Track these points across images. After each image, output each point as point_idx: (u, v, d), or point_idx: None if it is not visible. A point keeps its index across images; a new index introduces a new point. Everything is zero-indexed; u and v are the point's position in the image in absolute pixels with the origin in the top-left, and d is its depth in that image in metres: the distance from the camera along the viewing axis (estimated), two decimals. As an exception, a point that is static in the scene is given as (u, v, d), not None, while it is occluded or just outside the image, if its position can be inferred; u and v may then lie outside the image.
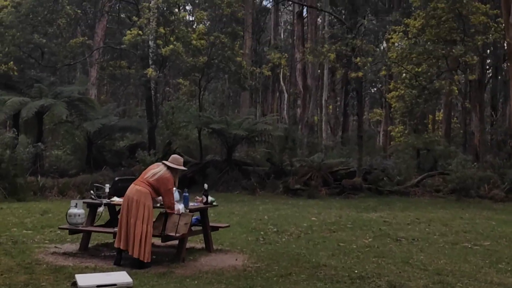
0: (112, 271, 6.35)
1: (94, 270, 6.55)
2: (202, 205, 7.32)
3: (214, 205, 7.76)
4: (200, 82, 19.92)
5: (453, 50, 17.52)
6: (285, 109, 30.94)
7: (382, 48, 17.76)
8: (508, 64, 24.07)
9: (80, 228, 7.51)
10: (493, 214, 13.64)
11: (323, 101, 32.79)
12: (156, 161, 18.45)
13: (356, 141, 31.91)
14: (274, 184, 19.07)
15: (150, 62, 19.14)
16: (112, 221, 7.86)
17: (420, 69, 22.89)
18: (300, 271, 6.67)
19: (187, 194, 7.12)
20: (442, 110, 37.39)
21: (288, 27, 39.00)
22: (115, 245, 6.76)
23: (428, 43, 19.55)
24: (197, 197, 7.59)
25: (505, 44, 22.92)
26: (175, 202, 7.03)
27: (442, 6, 20.18)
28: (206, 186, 7.57)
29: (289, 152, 22.22)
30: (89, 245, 7.87)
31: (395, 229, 10.54)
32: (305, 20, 30.40)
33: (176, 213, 6.75)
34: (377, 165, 20.89)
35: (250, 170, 20.29)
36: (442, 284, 6.18)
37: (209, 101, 28.13)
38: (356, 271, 6.68)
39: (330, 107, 38.16)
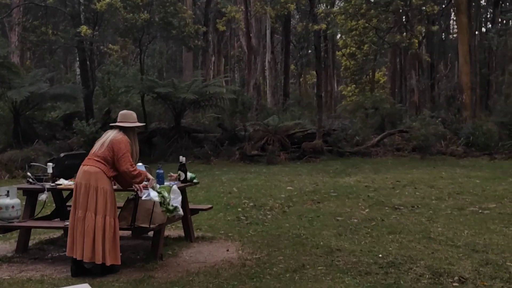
0: (68, 284, 4.62)
1: (41, 284, 4.84)
2: (180, 184, 5.75)
3: (195, 183, 6.19)
4: (140, 42, 17.90)
5: (414, 0, 16.46)
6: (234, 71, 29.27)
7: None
8: (457, 17, 23.51)
9: (16, 224, 5.64)
10: (468, 171, 12.82)
11: (266, 63, 31.37)
12: (96, 132, 16.70)
13: (306, 102, 31.04)
14: (229, 151, 17.63)
15: (82, 20, 16.93)
16: (60, 212, 6.21)
17: (367, 25, 21.91)
18: (313, 261, 5.32)
19: (161, 171, 5.55)
20: (379, 69, 37.07)
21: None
22: (67, 254, 5.07)
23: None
24: (171, 174, 6.04)
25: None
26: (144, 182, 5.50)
27: None
28: (182, 159, 6.00)
29: (240, 116, 20.76)
30: (29, 245, 6.15)
31: (384, 195, 9.41)
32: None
33: (143, 187, 5.19)
34: (335, 126, 19.83)
35: (201, 137, 18.73)
36: (492, 266, 5.00)
37: (148, 64, 25.97)
38: (380, 255, 5.41)
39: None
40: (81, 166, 5.08)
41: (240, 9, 19.39)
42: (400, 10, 17.80)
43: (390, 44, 18.80)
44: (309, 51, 42.34)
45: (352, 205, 8.47)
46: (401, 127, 20.81)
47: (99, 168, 4.98)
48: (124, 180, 5.16)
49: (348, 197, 9.32)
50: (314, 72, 48.00)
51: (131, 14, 16.09)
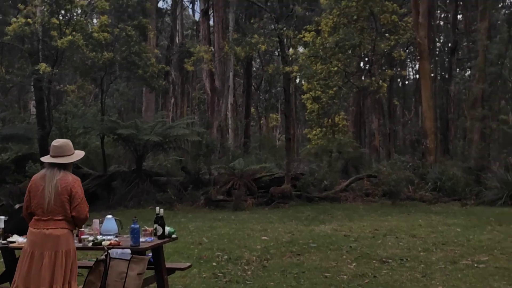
0: None
1: None
2: (157, 241, 5.02)
3: (174, 238, 5.45)
4: (102, 81, 17.12)
5: (382, 45, 16.40)
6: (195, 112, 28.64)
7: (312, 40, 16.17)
8: (420, 63, 23.78)
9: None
10: (443, 218, 12.45)
11: (229, 105, 30.94)
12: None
13: (270, 146, 30.58)
14: (193, 196, 16.83)
15: (41, 58, 16.10)
16: (10, 276, 5.33)
17: (335, 68, 21.81)
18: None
19: (136, 225, 4.82)
20: (339, 113, 37.12)
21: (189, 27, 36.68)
22: None
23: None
24: (146, 228, 5.31)
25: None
26: (113, 239, 4.79)
27: (354, 4, 19.05)
28: (160, 210, 5.28)
29: (204, 159, 20.05)
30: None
31: (366, 246, 8.83)
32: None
33: (114, 244, 4.45)
34: (301, 170, 19.36)
35: (163, 181, 17.87)
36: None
37: (108, 105, 25.11)
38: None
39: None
40: (34, 230, 4.22)
41: (210, 50, 18.93)
42: (366, 54, 17.74)
43: (359, 88, 18.65)
44: (268, 94, 42.44)
45: (336, 258, 7.86)
46: (368, 171, 20.55)
47: (65, 228, 4.23)
48: (79, 219, 4.39)
49: (329, 248, 8.71)
50: (275, 115, 48.43)
51: (94, 53, 15.37)
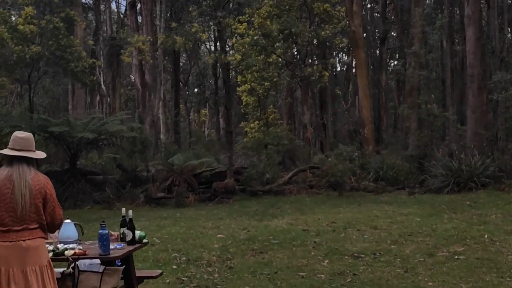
0: None
1: None
2: (128, 247, 4.24)
3: (145, 243, 4.67)
4: (29, 77, 15.73)
5: (322, 32, 16.03)
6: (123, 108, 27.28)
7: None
8: (356, 52, 23.76)
9: None
10: (397, 208, 12.18)
11: (156, 101, 29.78)
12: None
13: (206, 140, 29.75)
14: (132, 194, 15.87)
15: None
16: None
17: (271, 59, 21.38)
18: None
19: (105, 230, 4.03)
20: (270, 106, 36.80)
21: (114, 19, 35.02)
22: None
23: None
24: (111, 232, 4.52)
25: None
26: (76, 247, 4.00)
27: None
28: (129, 212, 4.50)
29: (140, 156, 19.04)
30: None
31: (331, 240, 8.35)
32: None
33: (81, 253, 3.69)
34: (241, 164, 18.78)
35: (99, 179, 16.76)
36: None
37: (34, 103, 23.39)
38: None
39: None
40: (5, 243, 3.35)
41: (148, 39, 17.80)
42: (307, 43, 17.35)
43: (301, 77, 18.24)
44: (199, 88, 41.58)
45: (305, 255, 7.31)
46: (304, 163, 20.29)
47: (42, 237, 3.44)
48: (54, 223, 3.64)
49: (293, 244, 8.15)
50: (203, 111, 47.54)
51: (20, 47, 14.04)
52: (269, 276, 6.18)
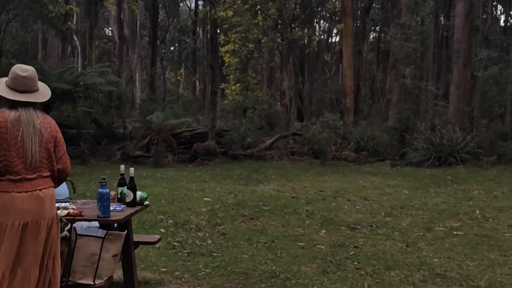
0: None
1: None
2: (128, 209, 3.85)
3: (146, 205, 4.28)
4: (-1, 20, 14.85)
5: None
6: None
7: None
8: (343, 20, 23.30)
9: None
10: (383, 180, 12.01)
11: (135, 56, 28.94)
12: None
13: (185, 100, 29.08)
14: (108, 150, 15.36)
15: None
16: None
17: (257, 21, 20.82)
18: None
19: (106, 189, 3.63)
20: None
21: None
22: None
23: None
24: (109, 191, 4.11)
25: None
26: (69, 207, 3.61)
27: None
28: (129, 170, 4.10)
29: (116, 112, 18.43)
30: None
31: (323, 209, 8.09)
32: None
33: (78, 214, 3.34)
34: (223, 127, 18.38)
35: (73, 133, 16.13)
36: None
37: (1, 47, 22.29)
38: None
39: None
40: (20, 193, 2.95)
41: None
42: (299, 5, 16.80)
43: (289, 40, 17.74)
44: (172, 47, 40.65)
45: (300, 224, 7.04)
46: (283, 129, 20.04)
47: (53, 186, 3.11)
48: (65, 168, 3.28)
49: (284, 212, 7.87)
50: (180, 71, 46.57)
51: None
52: (266, 245, 5.89)
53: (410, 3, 18.84)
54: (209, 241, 6.10)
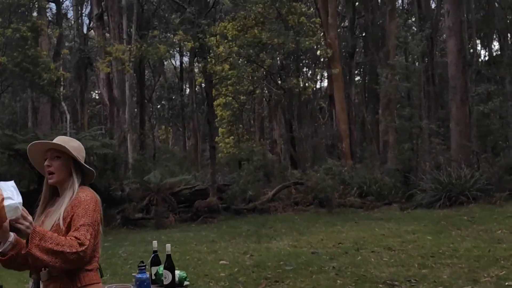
0: None
1: None
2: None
3: (186, 286, 3.72)
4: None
5: (306, 43, 15.38)
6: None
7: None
8: (332, 65, 23.25)
9: None
10: (397, 225, 11.55)
11: (126, 116, 28.57)
12: None
13: (180, 157, 28.61)
14: (108, 215, 14.67)
15: None
16: None
17: (248, 72, 20.66)
18: None
19: (145, 274, 3.09)
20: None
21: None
22: None
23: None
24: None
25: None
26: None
27: (261, 6, 17.88)
28: (167, 247, 3.58)
29: (112, 174, 17.87)
30: None
31: (349, 264, 7.55)
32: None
33: None
34: (222, 181, 17.88)
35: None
36: None
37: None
38: None
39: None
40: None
41: (128, 49, 16.64)
42: (289, 54, 16.64)
43: (284, 89, 17.52)
44: (168, 104, 40.53)
45: (330, 285, 6.49)
46: (279, 179, 19.60)
47: None
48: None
49: (309, 271, 7.32)
50: (168, 128, 46.29)
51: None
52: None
53: (401, 43, 18.80)
54: (241, 314, 5.52)
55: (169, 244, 3.57)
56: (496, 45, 26.85)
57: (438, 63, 22.17)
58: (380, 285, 6.30)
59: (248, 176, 18.72)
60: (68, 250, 2.33)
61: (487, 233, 9.95)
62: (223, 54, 12.97)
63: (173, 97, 37.23)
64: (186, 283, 3.59)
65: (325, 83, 34.37)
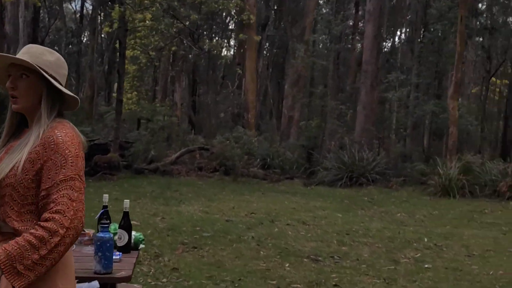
0: None
1: None
2: (129, 259, 2.81)
3: (139, 249, 3.22)
4: None
5: (231, 4, 14.80)
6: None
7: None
8: (247, 33, 22.87)
9: None
10: (304, 200, 11.60)
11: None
12: None
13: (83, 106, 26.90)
14: None
15: None
16: None
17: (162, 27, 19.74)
18: None
19: (108, 233, 2.57)
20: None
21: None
22: None
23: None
24: (84, 231, 3.06)
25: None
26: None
27: None
28: (123, 202, 3.16)
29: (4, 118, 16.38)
30: None
31: (267, 235, 7.36)
32: None
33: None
34: (126, 138, 17.03)
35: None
36: None
37: None
38: None
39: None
40: None
41: None
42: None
43: (200, 49, 16.85)
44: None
45: (255, 256, 6.23)
46: (178, 143, 19.11)
47: None
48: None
49: (228, 239, 7.02)
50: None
51: None
52: (236, 285, 5.02)
53: (321, 22, 18.84)
54: (164, 280, 5.10)
55: (128, 200, 3.07)
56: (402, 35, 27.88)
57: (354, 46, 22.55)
58: (305, 260, 6.14)
59: (151, 135, 18.01)
60: (51, 246, 1.74)
61: (388, 215, 10.25)
62: (146, 1, 12.06)
63: (70, 45, 34.99)
64: (141, 246, 3.13)
65: (232, 52, 34.09)
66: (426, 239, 7.68)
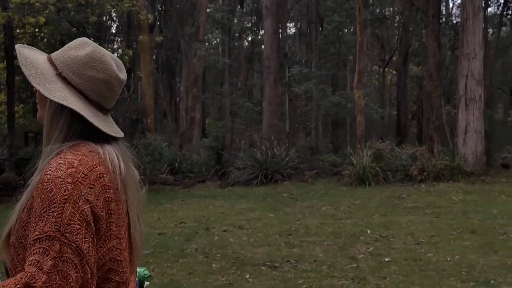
0: None
1: None
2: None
3: (147, 284, 2.58)
4: None
5: (126, 5, 13.91)
6: None
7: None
8: (138, 36, 21.98)
9: None
10: (227, 202, 11.17)
11: None
12: None
13: None
14: None
15: None
16: None
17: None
18: None
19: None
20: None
21: None
22: None
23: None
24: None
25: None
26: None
27: None
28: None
29: None
30: None
31: (211, 245, 6.86)
32: None
33: None
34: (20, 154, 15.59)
35: None
36: None
37: None
38: None
39: None
40: None
41: None
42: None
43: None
44: None
45: (209, 270, 5.72)
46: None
47: None
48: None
49: (171, 255, 6.43)
50: None
51: None
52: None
53: (218, 19, 18.47)
54: None
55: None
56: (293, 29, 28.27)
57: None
58: (263, 268, 5.74)
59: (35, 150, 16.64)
60: None
61: (315, 209, 10.12)
62: (37, 4, 10.82)
63: None
64: (146, 283, 2.53)
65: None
66: (369, 231, 7.57)
